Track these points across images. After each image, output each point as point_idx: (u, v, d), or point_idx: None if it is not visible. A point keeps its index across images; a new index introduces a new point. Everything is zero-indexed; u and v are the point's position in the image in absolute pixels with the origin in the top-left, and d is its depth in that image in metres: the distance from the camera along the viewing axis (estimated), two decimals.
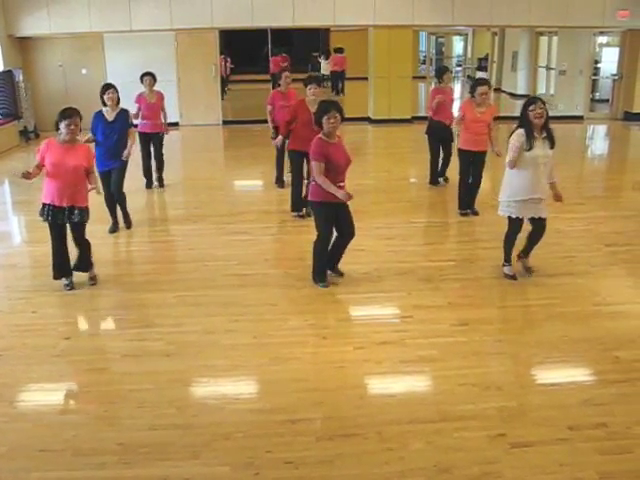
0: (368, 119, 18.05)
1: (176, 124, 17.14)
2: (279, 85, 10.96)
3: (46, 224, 6.84)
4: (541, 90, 22.30)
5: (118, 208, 8.92)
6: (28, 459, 4.34)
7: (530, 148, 6.61)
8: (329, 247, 7.00)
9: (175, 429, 4.62)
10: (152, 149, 11.17)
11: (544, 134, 6.70)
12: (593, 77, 19.78)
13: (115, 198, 8.81)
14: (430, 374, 5.38)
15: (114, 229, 8.86)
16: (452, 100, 11.03)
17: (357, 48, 21.95)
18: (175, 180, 11.84)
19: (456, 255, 7.92)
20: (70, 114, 6.57)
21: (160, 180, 11.36)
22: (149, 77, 10.87)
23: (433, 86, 11.88)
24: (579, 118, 18.64)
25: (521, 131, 6.66)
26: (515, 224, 7.04)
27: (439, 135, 10.69)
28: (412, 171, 12.50)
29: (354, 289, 7.00)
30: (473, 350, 5.66)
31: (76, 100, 17.22)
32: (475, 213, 9.49)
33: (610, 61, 20.01)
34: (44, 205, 6.74)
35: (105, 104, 8.72)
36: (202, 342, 5.86)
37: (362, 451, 4.35)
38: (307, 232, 8.66)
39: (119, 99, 8.79)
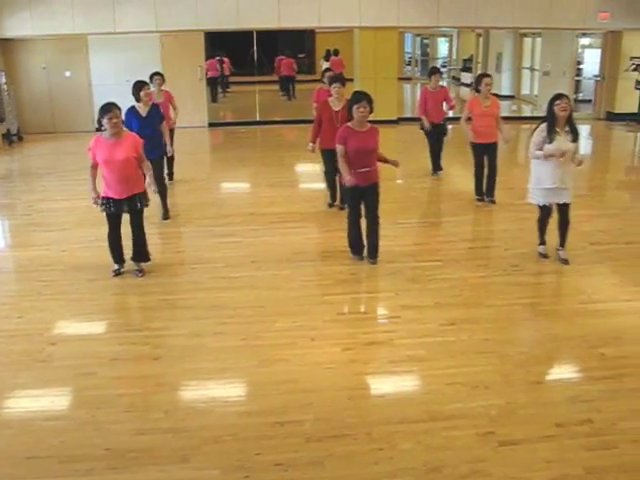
0: None
1: None
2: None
3: (34, 225, 6.81)
4: (525, 91, 22.43)
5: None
6: (14, 466, 4.30)
7: (551, 141, 7.10)
8: (357, 226, 7.62)
9: (164, 433, 4.60)
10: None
11: (567, 128, 7.21)
12: (576, 78, 19.95)
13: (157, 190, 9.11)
14: (418, 374, 5.39)
15: (166, 217, 9.49)
16: (444, 99, 11.56)
17: (343, 49, 22.02)
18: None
19: (443, 255, 7.93)
20: (109, 108, 6.73)
21: (170, 175, 11.52)
22: (159, 77, 10.93)
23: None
24: None
25: (543, 126, 7.21)
26: (544, 210, 7.55)
27: (429, 132, 11.52)
28: (399, 172, 12.48)
29: (342, 290, 7.01)
30: (461, 349, 5.68)
31: (60, 103, 17.34)
32: (492, 201, 9.93)
33: (592, 62, 20.19)
34: (104, 199, 7.03)
35: (139, 100, 9.07)
36: (190, 345, 5.85)
37: (352, 452, 4.36)
38: (294, 234, 8.70)
39: (152, 95, 9.44)
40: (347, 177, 7.23)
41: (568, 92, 18.60)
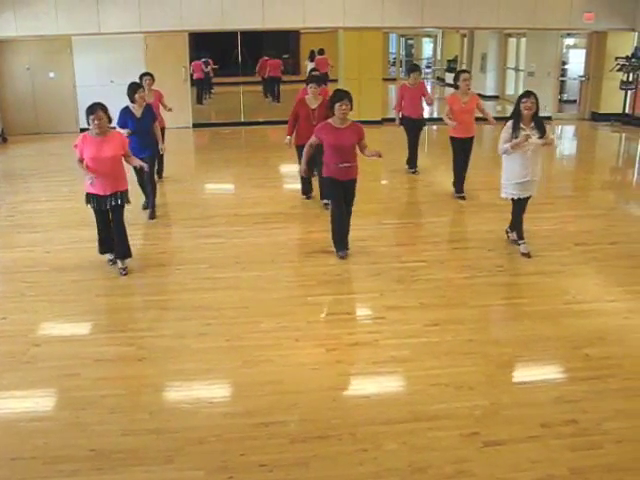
0: None
1: None
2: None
3: (18, 227, 6.77)
4: (510, 91, 22.48)
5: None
6: None
7: (516, 137, 7.30)
8: (342, 219, 7.75)
9: (148, 434, 4.59)
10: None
11: (532, 124, 7.39)
12: (561, 78, 20.00)
13: (149, 188, 9.61)
14: (403, 374, 5.40)
15: (147, 206, 9.67)
16: (423, 95, 11.75)
17: (327, 50, 22.00)
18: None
19: (428, 256, 7.94)
20: (93, 109, 6.90)
21: (160, 172, 11.60)
22: (148, 77, 11.01)
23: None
24: (547, 119, 18.79)
25: (509, 123, 7.44)
26: (516, 204, 7.74)
27: (408, 127, 11.83)
28: (383, 173, 12.52)
29: (326, 290, 7.02)
30: (445, 350, 5.69)
31: (44, 103, 17.25)
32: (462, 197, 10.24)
33: (577, 62, 20.24)
34: (88, 195, 7.16)
35: (134, 101, 9.34)
36: (174, 346, 5.83)
37: (336, 452, 4.36)
38: (278, 234, 8.70)
39: (145, 97, 9.64)
40: (303, 167, 7.97)
41: (552, 92, 18.87)
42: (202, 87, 22.81)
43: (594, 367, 5.41)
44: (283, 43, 27.18)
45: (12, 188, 11.88)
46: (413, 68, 12.33)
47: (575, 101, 20.10)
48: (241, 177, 12.32)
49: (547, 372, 5.51)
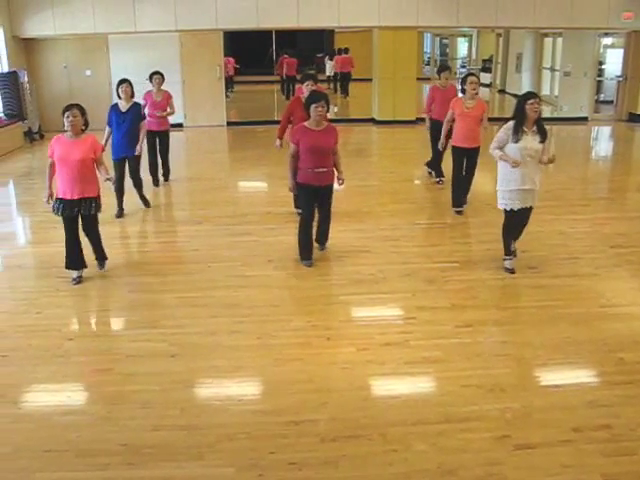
0: (372, 120, 18.08)
1: (180, 125, 17.18)
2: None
3: (54, 222, 6.86)
4: (545, 91, 22.27)
5: (127, 195, 9.53)
6: (32, 459, 4.34)
7: (517, 141, 6.81)
8: (309, 228, 7.57)
9: (179, 430, 4.62)
10: (158, 146, 11.37)
11: (534, 128, 6.87)
12: (597, 78, 19.74)
13: (133, 183, 9.64)
14: (434, 375, 5.37)
15: (120, 214, 9.39)
16: (453, 97, 10.65)
17: (362, 49, 21.97)
18: (180, 181, 11.90)
19: (460, 256, 7.90)
20: (69, 107, 6.83)
21: (166, 174, 11.68)
22: (158, 76, 11.15)
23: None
24: (584, 119, 18.63)
25: (510, 124, 6.90)
26: (510, 217, 7.15)
27: (434, 132, 10.84)
28: (416, 172, 12.47)
29: (358, 290, 7.00)
30: (477, 351, 5.65)
31: (80, 101, 17.13)
32: (460, 212, 9.63)
33: (615, 62, 20.01)
34: (56, 199, 6.94)
35: (120, 97, 9.49)
36: (206, 343, 5.86)
37: (366, 452, 4.35)
38: None
39: (133, 93, 9.59)
40: (291, 182, 7.52)
41: (589, 93, 18.64)
42: (228, 84, 22.99)
43: (628, 371, 5.32)
44: (317, 42, 27.19)
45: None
46: (443, 67, 11.65)
47: (612, 102, 19.84)
48: (274, 175, 12.34)
49: (580, 376, 5.43)
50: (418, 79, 19.16)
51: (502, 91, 25.23)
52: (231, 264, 7.71)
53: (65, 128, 6.84)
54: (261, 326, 6.15)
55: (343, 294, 6.90)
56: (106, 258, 7.50)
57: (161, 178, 11.57)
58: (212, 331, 6.07)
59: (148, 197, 10.04)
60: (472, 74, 9.68)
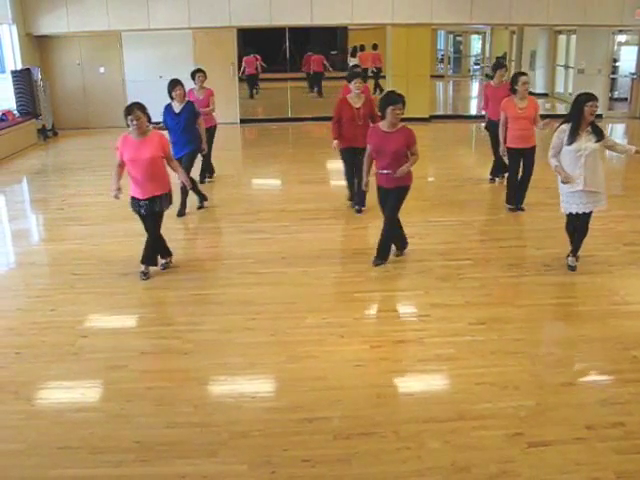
0: None
1: None
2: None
3: (67, 220, 6.88)
4: (559, 89, 22.20)
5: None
6: (46, 456, 4.37)
7: (571, 143, 6.80)
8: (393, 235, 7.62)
9: (192, 427, 4.63)
10: None
11: (588, 128, 6.87)
12: (612, 76, 19.64)
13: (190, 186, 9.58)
14: (448, 373, 5.36)
15: (182, 213, 9.49)
16: (506, 96, 9.97)
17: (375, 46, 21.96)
18: (195, 178, 11.90)
19: (474, 254, 7.88)
20: (130, 110, 6.73)
21: (203, 172, 11.50)
22: (201, 74, 10.98)
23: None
24: (598, 117, 18.42)
25: (563, 127, 6.89)
26: (572, 221, 7.20)
27: (492, 131, 10.56)
28: (430, 170, 12.46)
29: (372, 287, 7.00)
30: (491, 349, 5.64)
31: (93, 98, 17.50)
32: (521, 209, 9.54)
33: (629, 60, 19.86)
34: (132, 198, 7.01)
35: (172, 98, 9.32)
36: (220, 340, 5.88)
37: (379, 450, 4.35)
38: (324, 231, 8.71)
39: (185, 93, 9.43)
40: (365, 180, 7.63)
41: (603, 90, 18.55)
42: (252, 82, 23.10)
43: None
44: (331, 39, 27.18)
45: (62, 182, 12.11)
46: (499, 65, 11.07)
47: (626, 99, 19.72)
48: (287, 173, 12.35)
49: (594, 373, 5.41)
50: (431, 77, 19.13)
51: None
52: (245, 261, 7.72)
53: (131, 130, 6.82)
54: (275, 323, 6.16)
55: (357, 291, 6.89)
56: (171, 254, 7.57)
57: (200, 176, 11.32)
58: (226, 328, 6.08)
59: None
60: (524, 73, 9.48)
